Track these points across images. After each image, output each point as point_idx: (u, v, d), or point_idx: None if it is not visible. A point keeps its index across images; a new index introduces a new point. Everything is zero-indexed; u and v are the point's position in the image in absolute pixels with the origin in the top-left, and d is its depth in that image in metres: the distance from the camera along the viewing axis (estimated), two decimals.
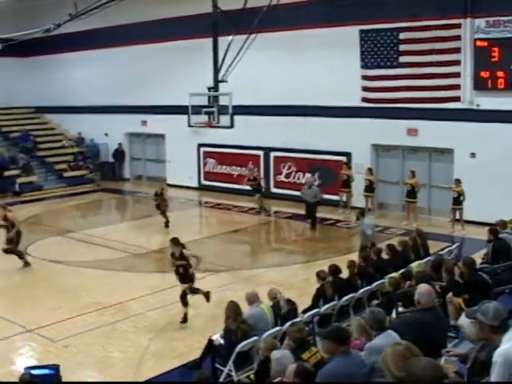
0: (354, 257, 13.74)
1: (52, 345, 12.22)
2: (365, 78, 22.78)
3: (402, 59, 21.85)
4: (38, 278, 16.67)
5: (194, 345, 11.11)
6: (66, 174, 31.58)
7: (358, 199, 23.04)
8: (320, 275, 11.73)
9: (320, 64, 23.58)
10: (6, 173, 29.59)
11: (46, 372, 8.72)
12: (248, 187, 24.14)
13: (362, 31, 22.51)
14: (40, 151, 32.85)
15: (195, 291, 13.36)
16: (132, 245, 19.46)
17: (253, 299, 10.48)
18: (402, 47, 21.80)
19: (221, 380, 9.57)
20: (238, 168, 27.44)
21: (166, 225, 21.60)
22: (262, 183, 24.97)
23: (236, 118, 20.50)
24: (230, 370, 9.54)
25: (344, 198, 23.62)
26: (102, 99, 31.51)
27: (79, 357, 11.50)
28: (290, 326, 8.77)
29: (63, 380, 8.88)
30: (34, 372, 8.57)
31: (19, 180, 29.56)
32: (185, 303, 13.11)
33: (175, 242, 13.43)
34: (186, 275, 13.28)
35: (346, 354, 6.71)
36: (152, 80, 29.21)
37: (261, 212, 23.93)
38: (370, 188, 22.58)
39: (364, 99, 22.85)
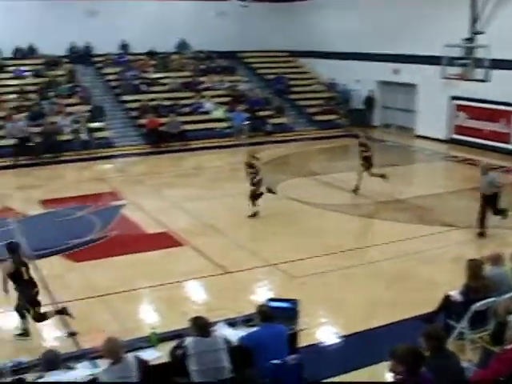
0: None
1: (290, 281, 12.76)
2: None
3: None
4: (282, 216, 17.34)
5: (429, 298, 10.98)
6: (315, 118, 32.23)
7: None
8: None
9: None
10: (261, 113, 30.83)
11: (286, 305, 9.18)
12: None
13: None
14: (292, 94, 33.80)
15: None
16: (376, 192, 19.53)
17: (496, 260, 10.18)
18: None
19: (452, 337, 9.47)
20: (490, 124, 26.37)
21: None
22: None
23: (493, 72, 19.64)
24: (463, 328, 9.39)
25: None
26: (355, 46, 31.62)
27: (315, 295, 11.84)
28: None
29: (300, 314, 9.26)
30: (274, 304, 9.07)
31: (271, 121, 30.65)
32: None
33: None
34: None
35: None
36: (405, 29, 28.67)
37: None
38: None
39: None
